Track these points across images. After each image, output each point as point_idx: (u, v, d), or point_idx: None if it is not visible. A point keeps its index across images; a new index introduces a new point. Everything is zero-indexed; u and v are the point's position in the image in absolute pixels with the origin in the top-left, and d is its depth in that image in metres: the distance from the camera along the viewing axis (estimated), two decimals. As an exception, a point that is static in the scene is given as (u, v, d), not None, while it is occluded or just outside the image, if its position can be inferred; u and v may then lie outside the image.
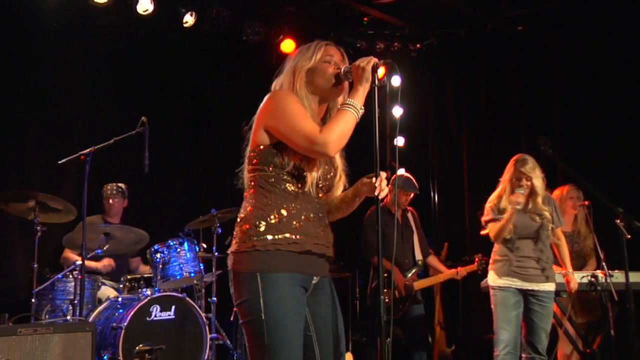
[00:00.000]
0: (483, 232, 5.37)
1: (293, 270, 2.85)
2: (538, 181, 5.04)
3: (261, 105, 3.00)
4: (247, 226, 2.89)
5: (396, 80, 6.61)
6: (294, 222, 2.88)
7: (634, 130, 6.88)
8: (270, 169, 2.93)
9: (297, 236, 2.87)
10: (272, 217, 2.87)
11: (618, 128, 7.01)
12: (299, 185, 2.93)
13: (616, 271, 5.44)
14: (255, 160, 2.96)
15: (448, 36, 8.67)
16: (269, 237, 2.84)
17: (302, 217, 2.91)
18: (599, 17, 7.24)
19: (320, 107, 3.09)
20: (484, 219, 5.29)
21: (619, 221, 4.59)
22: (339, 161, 3.12)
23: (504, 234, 5.10)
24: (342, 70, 2.98)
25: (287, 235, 2.86)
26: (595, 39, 7.26)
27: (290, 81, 3.02)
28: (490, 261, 5.29)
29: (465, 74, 8.66)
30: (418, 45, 8.85)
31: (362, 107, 2.90)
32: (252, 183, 2.97)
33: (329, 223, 3.07)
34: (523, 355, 5.07)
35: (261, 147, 2.94)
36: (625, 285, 4.59)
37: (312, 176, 2.93)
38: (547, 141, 4.94)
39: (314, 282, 2.96)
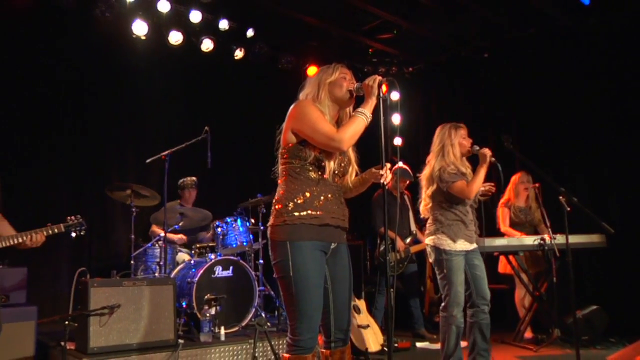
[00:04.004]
0: (426, 206, 4.52)
1: (314, 238, 2.87)
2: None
3: (288, 111, 3.00)
4: (280, 206, 2.93)
5: (395, 95, 6.55)
6: (316, 202, 2.89)
7: (572, 131, 6.97)
8: (297, 161, 2.94)
9: (318, 212, 2.88)
10: (298, 198, 2.89)
11: (560, 129, 7.07)
12: (319, 173, 2.93)
13: (558, 235, 5.44)
14: (285, 155, 2.98)
15: (432, 62, 8.62)
16: (296, 214, 2.87)
17: (322, 197, 2.91)
18: (546, 46, 7.27)
19: (338, 113, 3.09)
20: (448, 180, 4.30)
21: (561, 197, 4.57)
22: (351, 154, 3.10)
23: (479, 186, 4.28)
24: (355, 86, 2.99)
25: (310, 212, 2.87)
26: (542, 62, 7.30)
27: (314, 91, 3.03)
28: (436, 226, 4.37)
29: (446, 90, 8.58)
30: (410, 69, 8.79)
31: (371, 115, 2.91)
32: (284, 173, 2.99)
33: (344, 201, 3.06)
34: (470, 310, 4.34)
35: (290, 144, 2.95)
36: (565, 245, 4.54)
37: (330, 166, 2.94)
38: (509, 138, 4.76)
39: (332, 247, 2.96)
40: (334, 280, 2.98)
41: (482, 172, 4.28)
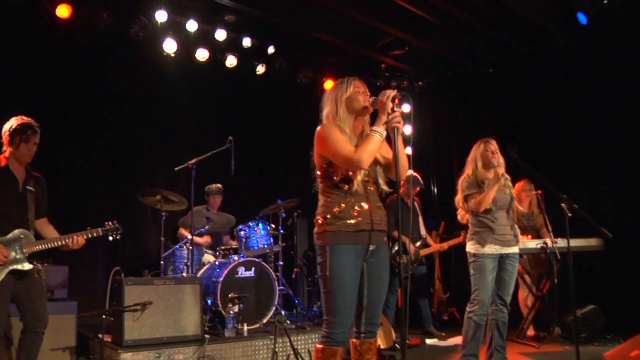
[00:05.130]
0: (460, 214, 4.78)
1: (350, 243, 2.98)
2: (502, 159, 4.56)
3: (315, 135, 3.08)
4: (320, 217, 3.06)
5: (407, 107, 6.51)
6: (351, 212, 3.00)
7: (572, 143, 7.03)
8: (329, 180, 3.07)
9: (353, 221, 2.99)
10: (334, 210, 3.01)
11: (561, 140, 7.12)
12: (350, 186, 3.02)
13: (559, 239, 5.51)
14: (320, 176, 3.12)
15: (440, 76, 8.64)
16: (333, 223, 3.00)
17: (356, 207, 3.01)
18: (548, 62, 7.32)
19: (357, 121, 3.13)
20: (465, 194, 4.53)
21: (563, 204, 4.58)
22: (379, 166, 3.14)
23: (489, 201, 4.39)
24: (370, 100, 3.04)
25: (346, 221, 2.99)
26: (544, 77, 7.34)
27: (333, 109, 3.08)
28: (470, 233, 4.56)
29: (454, 103, 8.61)
30: (420, 83, 8.82)
31: (384, 131, 2.95)
32: (321, 190, 3.12)
33: (380, 205, 3.12)
34: (491, 308, 4.45)
35: (323, 166, 3.07)
36: (567, 249, 4.56)
37: (357, 179, 3.01)
38: (514, 148, 4.74)
39: (371, 249, 3.04)
40: (370, 277, 3.06)
41: (494, 188, 4.40)
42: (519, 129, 7.60)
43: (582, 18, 6.55)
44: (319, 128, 3.09)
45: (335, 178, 3.05)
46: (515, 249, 4.50)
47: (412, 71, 8.67)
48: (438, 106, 8.91)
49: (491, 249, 4.39)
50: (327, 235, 3.02)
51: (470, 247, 4.53)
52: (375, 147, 2.96)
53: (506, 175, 4.55)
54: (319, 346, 3.01)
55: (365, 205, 3.04)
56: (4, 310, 3.66)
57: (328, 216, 3.03)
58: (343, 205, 3.03)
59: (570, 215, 4.56)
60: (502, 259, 4.45)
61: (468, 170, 4.62)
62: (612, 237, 4.71)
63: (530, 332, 6.33)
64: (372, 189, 3.12)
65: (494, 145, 4.58)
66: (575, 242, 5.32)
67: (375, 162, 3.11)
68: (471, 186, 4.52)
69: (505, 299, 4.46)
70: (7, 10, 5.84)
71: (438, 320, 7.23)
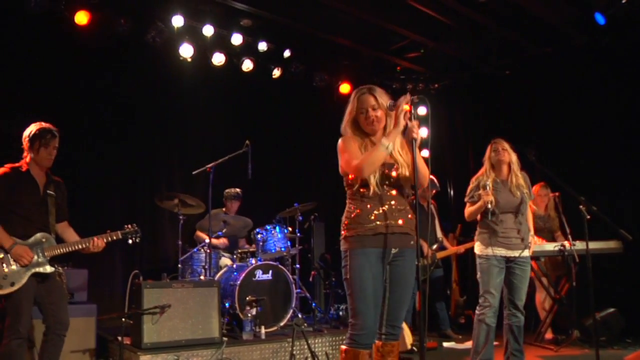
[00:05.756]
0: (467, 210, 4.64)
1: (369, 246, 3.01)
2: (514, 156, 4.53)
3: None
4: (343, 223, 3.13)
5: (423, 110, 6.47)
6: (369, 216, 3.04)
7: (589, 144, 6.95)
8: (351, 187, 3.14)
9: (370, 225, 3.02)
10: (353, 215, 3.08)
11: (578, 141, 7.04)
12: (366, 192, 3.06)
13: (577, 241, 5.49)
14: (345, 184, 3.21)
15: (456, 79, 8.62)
16: (352, 227, 3.06)
17: (375, 211, 3.04)
18: (564, 64, 7.26)
19: (371, 137, 3.15)
20: (465, 199, 4.62)
21: (581, 206, 4.55)
22: (402, 168, 3.11)
23: (472, 217, 4.52)
24: (388, 104, 3.07)
25: (364, 225, 3.03)
26: (560, 78, 7.29)
27: (344, 126, 3.21)
28: (476, 233, 4.57)
29: (469, 105, 8.59)
30: (436, 85, 8.79)
31: (392, 145, 2.99)
32: (347, 196, 3.19)
33: (405, 209, 3.12)
34: (505, 312, 4.42)
35: (348, 177, 3.14)
36: (585, 251, 4.53)
37: (372, 184, 3.04)
38: (532, 152, 4.77)
39: (393, 252, 3.06)
40: (392, 280, 3.09)
41: (478, 206, 4.43)
42: (535, 131, 7.55)
43: (599, 18, 6.48)
44: (339, 140, 3.17)
45: (356, 185, 3.11)
46: (524, 253, 4.41)
47: (427, 74, 8.64)
48: (454, 108, 8.88)
49: (495, 251, 4.37)
50: (348, 240, 3.08)
51: (476, 247, 4.53)
52: (377, 158, 2.99)
53: (518, 174, 4.51)
54: (343, 347, 3.04)
55: (383, 209, 3.06)
56: (27, 313, 3.73)
57: (348, 222, 3.11)
58: (361, 210, 3.07)
59: (588, 217, 4.53)
60: (509, 263, 4.39)
61: (481, 170, 4.63)
62: (632, 240, 4.68)
63: (549, 335, 6.30)
64: (394, 192, 3.12)
65: (501, 144, 4.55)
66: (594, 245, 5.26)
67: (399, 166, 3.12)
68: (471, 191, 4.57)
69: (518, 304, 4.39)
70: (28, 19, 5.93)
71: (455, 323, 7.20)
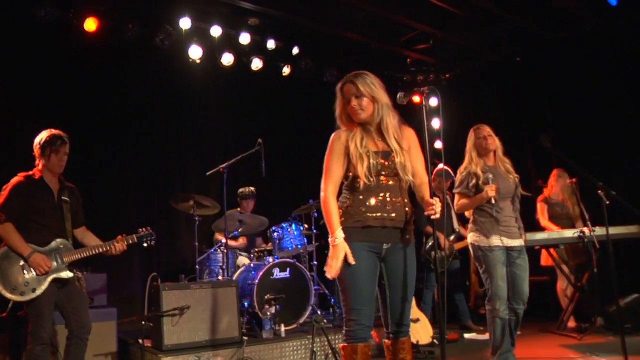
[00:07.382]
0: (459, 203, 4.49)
1: (359, 240, 2.92)
2: (498, 141, 4.44)
3: None
4: (338, 215, 3.00)
5: (434, 101, 6.26)
6: (360, 207, 2.94)
7: (604, 128, 6.86)
8: (346, 178, 3.03)
9: (359, 217, 2.93)
10: (344, 207, 2.98)
11: (593, 127, 6.95)
12: (356, 185, 2.94)
13: (597, 227, 5.40)
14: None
15: (467, 68, 8.56)
16: (343, 220, 2.95)
17: (366, 202, 2.93)
18: (576, 48, 7.19)
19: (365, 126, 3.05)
20: (454, 190, 4.48)
21: (600, 191, 4.48)
22: (399, 156, 2.97)
23: (465, 210, 4.43)
24: (398, 96, 3.07)
25: (353, 216, 2.94)
26: (573, 63, 7.21)
27: (337, 119, 3.13)
28: (472, 223, 4.38)
29: (481, 94, 8.52)
30: (447, 76, 8.74)
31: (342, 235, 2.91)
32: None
33: (400, 200, 2.98)
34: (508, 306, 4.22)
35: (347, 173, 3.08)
36: (606, 237, 4.46)
37: (360, 176, 2.91)
38: (547, 138, 4.59)
39: (385, 247, 2.96)
40: (389, 277, 3.01)
41: (476, 200, 4.29)
42: (549, 117, 7.48)
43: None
44: (331, 136, 3.12)
45: (350, 175, 3.02)
46: (522, 241, 4.28)
47: (437, 64, 8.60)
48: (466, 98, 8.82)
49: (497, 240, 4.19)
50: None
51: (473, 238, 4.31)
52: (327, 216, 2.96)
53: (505, 159, 4.42)
54: (341, 345, 2.99)
55: (374, 201, 2.95)
56: (49, 318, 3.77)
57: (341, 213, 2.99)
58: (353, 201, 2.98)
59: (608, 202, 4.43)
60: (509, 253, 4.23)
61: (465, 161, 4.48)
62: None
63: (571, 323, 6.23)
64: (391, 182, 2.99)
65: (486, 130, 4.45)
66: (614, 230, 5.12)
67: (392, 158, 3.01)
68: (461, 182, 4.40)
69: (523, 297, 4.21)
70: (38, 27, 5.97)
71: (475, 314, 7.14)
